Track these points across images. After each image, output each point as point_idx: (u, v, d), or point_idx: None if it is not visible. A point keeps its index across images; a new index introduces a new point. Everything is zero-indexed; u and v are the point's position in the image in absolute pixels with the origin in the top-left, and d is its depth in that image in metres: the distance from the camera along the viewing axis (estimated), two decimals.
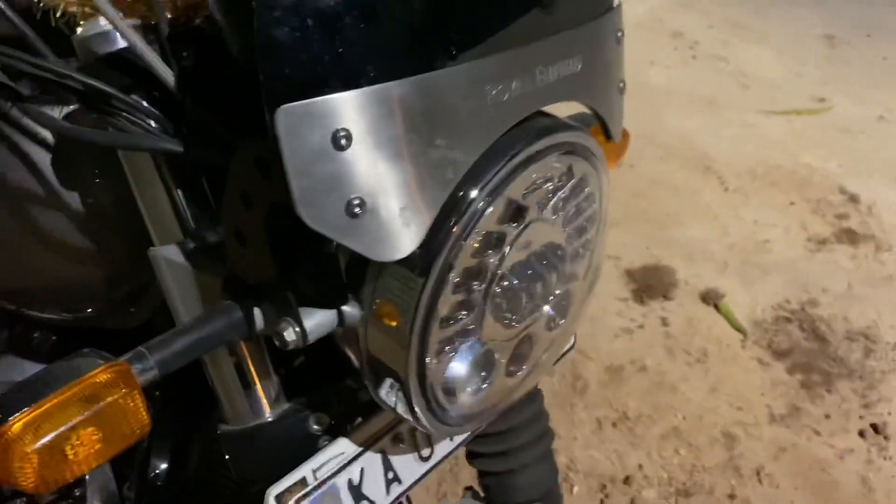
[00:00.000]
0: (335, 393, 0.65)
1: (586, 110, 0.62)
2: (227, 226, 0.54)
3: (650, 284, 2.25)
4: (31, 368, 0.90)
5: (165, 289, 0.61)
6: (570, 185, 0.57)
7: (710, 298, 2.20)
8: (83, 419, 0.47)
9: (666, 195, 2.62)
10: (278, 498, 0.57)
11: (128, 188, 0.63)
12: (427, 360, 0.53)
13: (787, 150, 2.93)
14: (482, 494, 0.88)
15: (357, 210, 0.46)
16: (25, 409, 0.46)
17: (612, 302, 2.23)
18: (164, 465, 0.89)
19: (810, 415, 1.87)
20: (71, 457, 0.47)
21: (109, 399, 0.47)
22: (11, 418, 0.45)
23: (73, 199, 0.67)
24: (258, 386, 0.63)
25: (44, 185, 0.67)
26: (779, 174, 2.79)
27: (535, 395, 0.85)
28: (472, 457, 0.85)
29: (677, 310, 2.19)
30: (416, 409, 0.55)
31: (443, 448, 0.67)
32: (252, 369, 0.63)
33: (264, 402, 0.63)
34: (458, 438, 0.69)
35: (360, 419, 0.65)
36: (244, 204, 0.52)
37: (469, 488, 0.89)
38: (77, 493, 0.87)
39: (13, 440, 0.45)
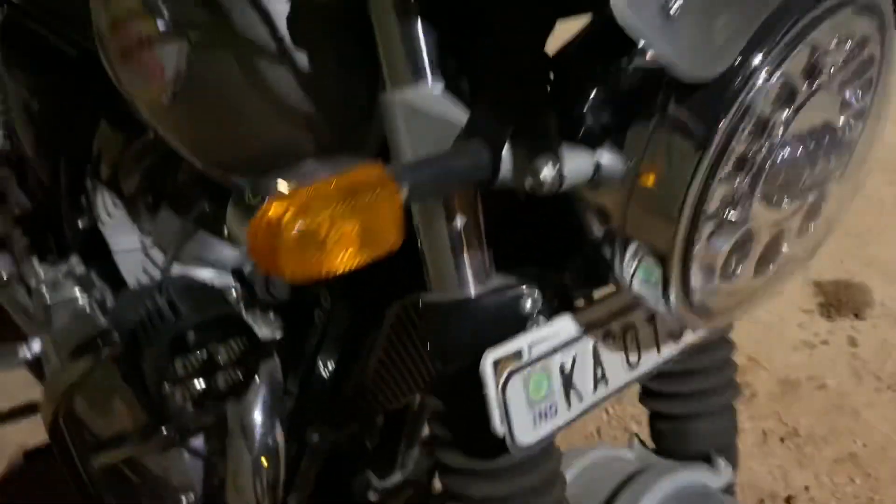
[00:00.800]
0: (550, 273, 0.59)
1: None
2: (484, 55, 0.50)
3: (840, 300, 2.05)
4: (222, 248, 0.90)
5: (398, 136, 0.56)
6: (861, 54, 0.49)
7: None
8: (346, 210, 0.44)
9: (869, 210, 2.38)
10: (496, 364, 0.52)
11: (361, 39, 0.60)
12: (695, 234, 0.47)
13: None
14: (646, 444, 0.79)
15: (674, 10, 0.41)
16: (287, 190, 0.43)
17: (794, 312, 2.05)
18: (333, 361, 0.88)
19: None
20: (329, 248, 0.44)
21: (373, 197, 0.44)
22: (271, 197, 0.43)
23: (301, 57, 0.65)
24: (473, 254, 0.57)
25: (275, 42, 0.66)
26: None
27: (724, 343, 0.76)
28: (647, 395, 0.76)
29: (869, 331, 1.98)
30: (672, 289, 0.49)
31: (649, 359, 0.60)
32: (468, 235, 0.57)
33: (476, 273, 0.57)
34: (667, 352, 0.61)
35: (572, 305, 0.59)
36: (512, 25, 0.48)
37: (635, 435, 0.81)
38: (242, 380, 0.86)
39: (273, 221, 0.42)
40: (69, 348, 0.85)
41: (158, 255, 0.93)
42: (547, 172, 0.48)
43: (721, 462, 0.72)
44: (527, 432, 0.53)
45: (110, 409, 0.85)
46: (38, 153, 1.24)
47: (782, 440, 1.73)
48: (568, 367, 0.55)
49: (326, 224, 0.43)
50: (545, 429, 0.54)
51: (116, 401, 0.83)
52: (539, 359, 0.54)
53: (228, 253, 0.89)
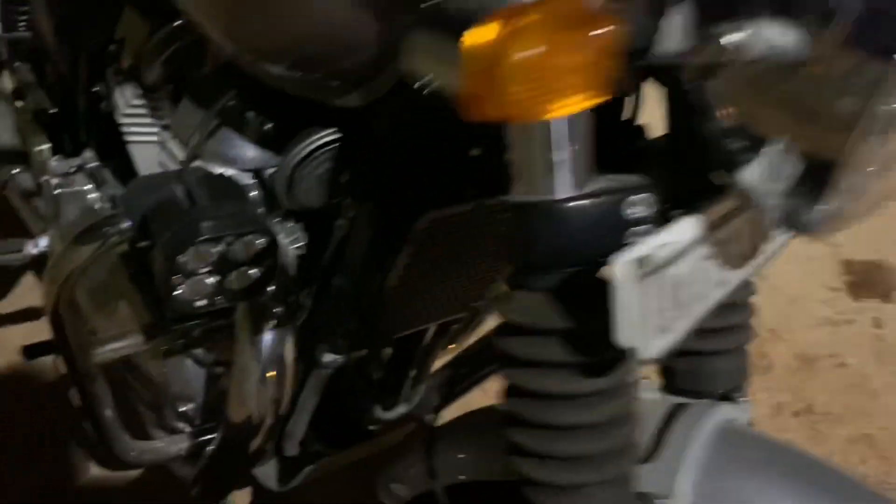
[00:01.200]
0: (660, 177, 0.53)
1: None
2: None
3: (869, 281, 2.00)
4: (244, 146, 0.85)
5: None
6: None
7: None
8: (572, 41, 0.38)
9: None
10: (627, 268, 0.46)
11: None
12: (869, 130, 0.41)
13: None
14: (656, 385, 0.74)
15: None
16: (512, 9, 0.38)
17: (819, 288, 1.99)
18: (351, 276, 0.83)
19: None
20: (552, 82, 0.39)
21: (601, 30, 0.38)
22: (495, 13, 0.38)
23: None
24: (574, 149, 0.49)
25: None
26: None
27: (745, 283, 0.71)
28: None
29: None
30: (834, 190, 0.44)
31: (732, 278, 0.55)
32: (572, 123, 0.48)
33: (577, 172, 0.50)
34: (742, 274, 0.56)
35: (678, 214, 0.54)
36: None
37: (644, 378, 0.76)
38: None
39: (496, 41, 0.37)
40: (74, 234, 0.80)
41: (176, 150, 0.87)
42: (733, 38, 0.41)
43: (742, 400, 0.68)
44: (649, 345, 0.48)
45: (114, 301, 0.80)
46: (59, 43, 1.18)
47: (796, 415, 1.69)
48: (676, 278, 0.49)
49: (555, 54, 0.37)
50: (663, 343, 0.49)
51: (121, 292, 0.79)
52: (660, 267, 0.48)
53: (251, 152, 0.83)
